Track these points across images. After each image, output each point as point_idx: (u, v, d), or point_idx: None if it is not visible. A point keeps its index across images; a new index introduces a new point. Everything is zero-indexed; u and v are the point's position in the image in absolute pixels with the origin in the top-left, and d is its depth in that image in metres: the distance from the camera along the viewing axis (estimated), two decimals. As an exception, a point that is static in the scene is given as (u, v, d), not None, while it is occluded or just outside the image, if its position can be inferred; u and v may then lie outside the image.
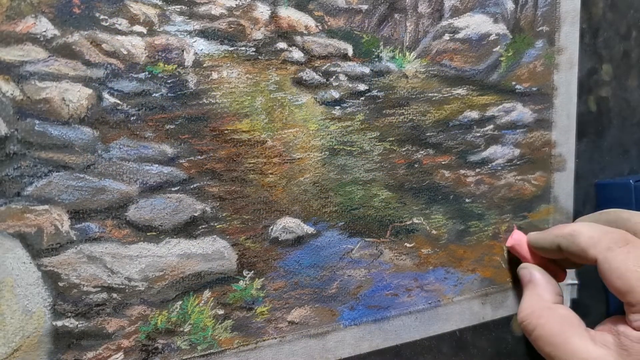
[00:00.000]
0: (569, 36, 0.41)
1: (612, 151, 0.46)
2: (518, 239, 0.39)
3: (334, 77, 0.33)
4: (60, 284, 0.27)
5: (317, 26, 0.32)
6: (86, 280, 0.28)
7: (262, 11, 0.31)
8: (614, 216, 0.34)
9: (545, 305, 0.34)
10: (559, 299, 0.35)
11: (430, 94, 0.36)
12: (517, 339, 0.42)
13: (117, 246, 0.28)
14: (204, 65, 0.30)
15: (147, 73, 0.28)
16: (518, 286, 0.41)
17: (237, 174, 0.31)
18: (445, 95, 0.37)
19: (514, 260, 0.40)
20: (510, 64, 0.39)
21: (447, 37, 0.37)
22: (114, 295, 0.28)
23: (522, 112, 0.40)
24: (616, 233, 0.31)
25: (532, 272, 0.37)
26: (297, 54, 0.32)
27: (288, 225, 0.33)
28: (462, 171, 0.38)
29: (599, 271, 0.31)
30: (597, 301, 0.46)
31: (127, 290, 0.29)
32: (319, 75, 0.33)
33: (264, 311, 0.32)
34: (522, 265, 0.38)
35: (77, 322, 0.28)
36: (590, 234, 0.32)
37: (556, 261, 0.38)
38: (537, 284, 0.36)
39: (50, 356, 0.27)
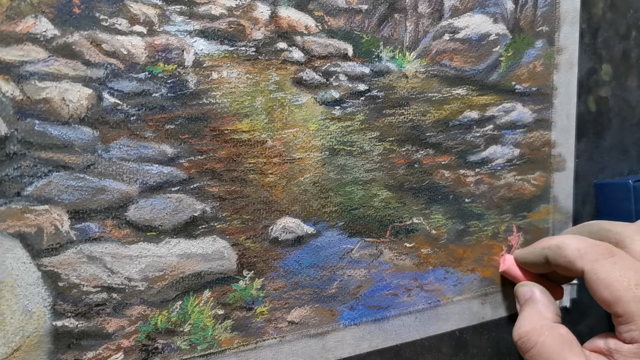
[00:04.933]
0: (569, 36, 0.41)
1: (611, 151, 0.46)
2: (510, 263, 0.39)
3: (334, 77, 0.33)
4: (60, 284, 0.27)
5: (317, 26, 0.32)
6: (86, 280, 0.28)
7: (262, 11, 0.31)
8: (596, 227, 0.34)
9: (546, 324, 0.34)
10: (558, 319, 0.35)
11: (430, 94, 0.36)
12: (517, 338, 0.42)
13: (117, 246, 0.28)
14: (204, 65, 0.30)
15: (147, 73, 0.28)
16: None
17: (237, 174, 0.31)
18: (445, 95, 0.37)
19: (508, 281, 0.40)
20: (510, 64, 0.39)
21: (447, 37, 0.37)
22: (114, 295, 0.28)
23: (521, 112, 0.40)
24: (602, 245, 0.32)
25: (533, 290, 0.36)
26: (297, 54, 0.32)
27: (288, 225, 0.33)
28: (461, 171, 0.38)
29: (586, 282, 0.32)
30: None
31: (127, 290, 0.29)
32: (319, 75, 0.33)
33: (264, 311, 0.32)
34: (522, 282, 0.38)
35: (77, 322, 0.28)
36: (577, 245, 0.32)
37: (551, 278, 0.37)
38: (537, 301, 0.35)
39: (50, 356, 0.27)
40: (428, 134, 0.36)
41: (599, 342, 0.32)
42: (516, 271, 0.38)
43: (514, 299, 0.41)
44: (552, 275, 0.37)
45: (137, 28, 0.28)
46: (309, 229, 0.33)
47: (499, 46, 0.38)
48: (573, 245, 0.33)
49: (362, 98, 0.34)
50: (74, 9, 0.27)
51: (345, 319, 0.35)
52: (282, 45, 0.32)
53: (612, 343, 0.31)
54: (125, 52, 0.28)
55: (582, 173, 0.44)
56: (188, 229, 0.30)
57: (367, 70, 0.34)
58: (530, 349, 0.33)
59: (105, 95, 0.28)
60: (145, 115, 0.28)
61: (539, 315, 0.34)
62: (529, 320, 0.34)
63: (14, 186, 0.26)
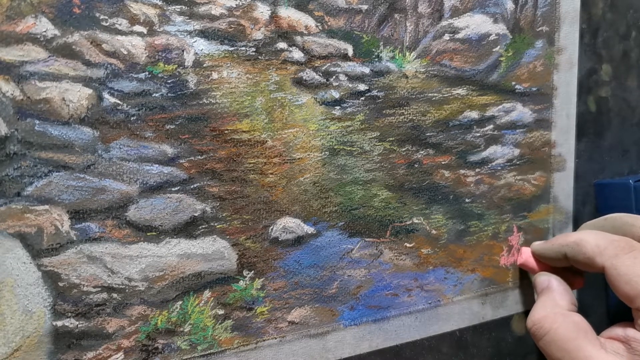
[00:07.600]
0: (569, 36, 0.41)
1: (611, 151, 0.46)
2: (527, 256, 0.39)
3: (334, 77, 0.33)
4: (60, 284, 0.27)
5: (317, 26, 0.32)
6: (86, 280, 0.28)
7: (262, 11, 0.31)
8: (620, 222, 0.34)
9: (560, 311, 0.34)
10: (573, 309, 0.35)
11: (430, 94, 0.36)
12: (517, 339, 0.42)
13: (117, 246, 0.28)
14: (204, 65, 0.30)
15: (147, 73, 0.28)
16: (519, 286, 0.41)
17: (237, 174, 0.31)
18: (445, 95, 0.37)
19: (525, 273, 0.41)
20: (510, 64, 0.39)
21: (447, 37, 0.37)
22: (114, 295, 0.28)
23: (522, 112, 0.40)
24: (622, 241, 0.32)
25: (550, 279, 0.36)
26: (297, 54, 0.32)
27: (288, 225, 0.33)
28: (462, 171, 0.38)
29: (607, 279, 0.32)
30: (598, 301, 0.46)
31: (127, 290, 0.29)
32: (319, 75, 0.33)
33: (264, 311, 0.32)
34: (541, 272, 0.38)
35: (77, 322, 0.28)
36: (596, 242, 0.33)
37: (570, 267, 0.37)
38: (554, 290, 0.36)
39: (50, 356, 0.27)
40: (428, 134, 0.36)
41: (617, 330, 0.32)
42: (534, 263, 0.39)
43: (514, 299, 0.41)
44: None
45: (137, 28, 0.28)
46: (309, 229, 0.33)
47: (499, 46, 0.38)
48: (592, 241, 0.33)
49: (362, 98, 0.34)
50: (74, 9, 0.27)
51: (345, 319, 0.35)
52: (282, 45, 0.32)
53: (631, 332, 0.31)
54: (126, 52, 0.28)
55: (582, 173, 0.44)
56: (188, 229, 0.30)
57: (367, 70, 0.34)
58: (544, 336, 0.33)
59: (106, 95, 0.28)
60: (146, 115, 0.28)
61: (553, 303, 0.34)
62: (543, 308, 0.34)
63: (14, 186, 0.26)
